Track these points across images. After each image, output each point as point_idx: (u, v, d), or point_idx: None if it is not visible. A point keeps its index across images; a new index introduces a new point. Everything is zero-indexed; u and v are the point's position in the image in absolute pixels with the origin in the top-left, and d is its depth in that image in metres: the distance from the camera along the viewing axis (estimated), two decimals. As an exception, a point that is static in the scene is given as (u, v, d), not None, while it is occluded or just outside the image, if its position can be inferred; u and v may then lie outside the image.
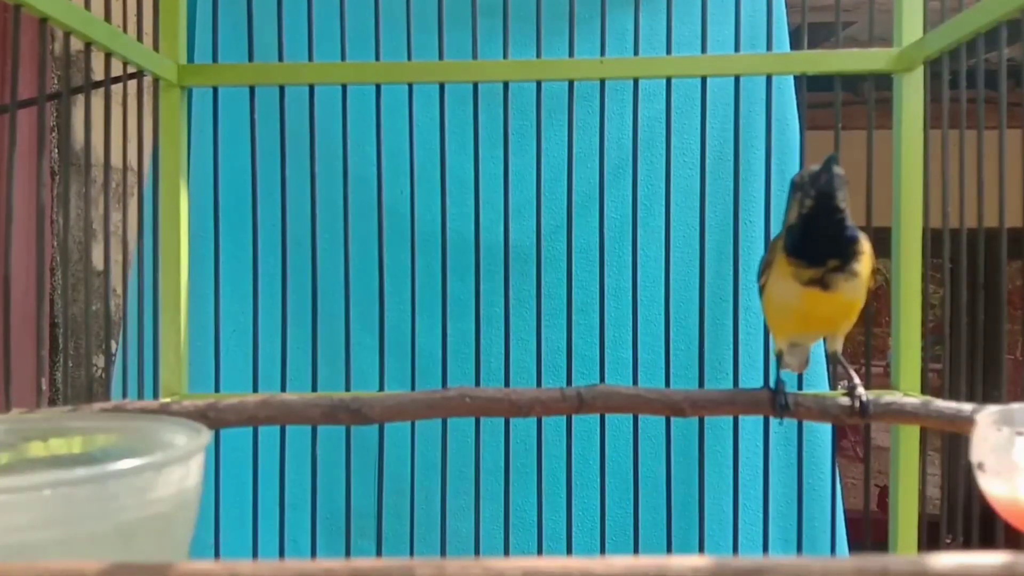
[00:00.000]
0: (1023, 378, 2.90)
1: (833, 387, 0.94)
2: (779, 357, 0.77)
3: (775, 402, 0.73)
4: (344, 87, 0.91)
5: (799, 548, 0.93)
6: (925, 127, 0.86)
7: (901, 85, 0.87)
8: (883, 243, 0.87)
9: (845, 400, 0.73)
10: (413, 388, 0.88)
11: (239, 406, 0.73)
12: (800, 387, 0.91)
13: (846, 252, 0.66)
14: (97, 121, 0.77)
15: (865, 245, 0.68)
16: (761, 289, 0.73)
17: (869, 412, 0.72)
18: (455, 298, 0.91)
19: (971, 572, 0.32)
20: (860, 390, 0.72)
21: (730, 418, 0.89)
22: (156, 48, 0.89)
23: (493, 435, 0.89)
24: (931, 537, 0.84)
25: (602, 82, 0.90)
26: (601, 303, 0.91)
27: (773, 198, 0.90)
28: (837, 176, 0.65)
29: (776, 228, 0.91)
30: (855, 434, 2.86)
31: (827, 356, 0.75)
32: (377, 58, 0.91)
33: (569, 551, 0.90)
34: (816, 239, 0.67)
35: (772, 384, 0.75)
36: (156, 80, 0.89)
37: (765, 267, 0.72)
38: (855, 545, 0.99)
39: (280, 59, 0.91)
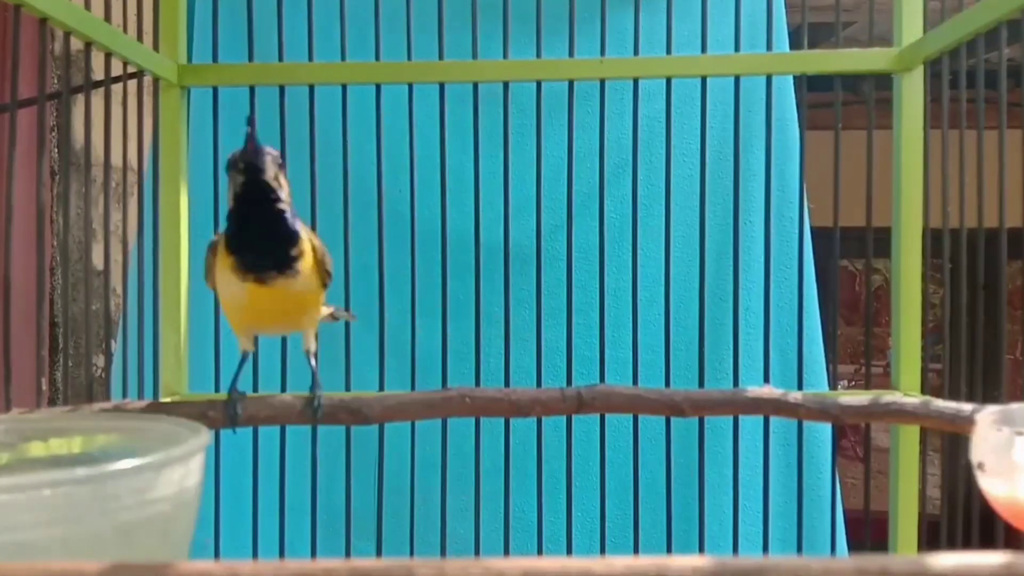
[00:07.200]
0: (1023, 378, 2.90)
1: (833, 387, 0.94)
2: (244, 357, 0.73)
3: (227, 412, 0.70)
4: (344, 87, 0.91)
5: (799, 548, 0.93)
6: (925, 127, 0.86)
7: (901, 85, 0.87)
8: (883, 243, 0.87)
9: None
10: (413, 388, 0.88)
11: (239, 406, 0.73)
12: (800, 387, 0.91)
13: (280, 257, 0.62)
14: (97, 121, 0.77)
15: (305, 243, 0.65)
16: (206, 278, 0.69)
17: (320, 415, 0.72)
18: (455, 298, 0.91)
19: (971, 572, 0.32)
20: (319, 391, 0.73)
21: (730, 418, 0.89)
22: (156, 48, 0.89)
23: (493, 435, 0.89)
24: (931, 537, 0.84)
25: (602, 82, 0.90)
26: (601, 303, 0.91)
27: (773, 198, 0.90)
28: (266, 153, 0.61)
29: (776, 229, 0.92)
30: (855, 434, 2.86)
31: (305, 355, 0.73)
32: (377, 58, 0.91)
33: (569, 551, 0.90)
34: (250, 235, 0.62)
35: (228, 389, 0.72)
36: (156, 80, 0.89)
37: (209, 255, 0.67)
38: (855, 545, 0.99)
39: (280, 59, 0.91)
